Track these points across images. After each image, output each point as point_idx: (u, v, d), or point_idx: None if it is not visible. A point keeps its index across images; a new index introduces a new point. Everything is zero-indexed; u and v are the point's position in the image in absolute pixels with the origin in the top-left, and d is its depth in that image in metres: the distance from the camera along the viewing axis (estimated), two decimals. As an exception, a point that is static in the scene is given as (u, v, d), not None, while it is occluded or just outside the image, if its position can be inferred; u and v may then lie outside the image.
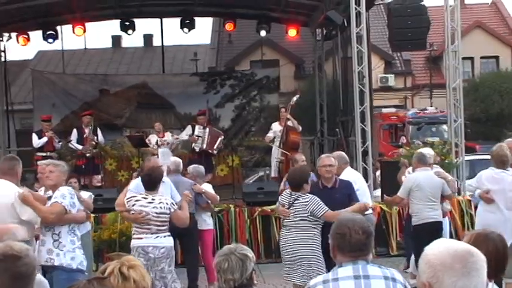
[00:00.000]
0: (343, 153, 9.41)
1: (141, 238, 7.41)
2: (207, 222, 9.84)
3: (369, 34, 14.26)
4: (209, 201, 9.74)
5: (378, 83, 27.33)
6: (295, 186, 7.37)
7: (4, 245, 3.14)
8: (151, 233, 7.38)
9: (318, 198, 7.18)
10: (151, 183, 7.58)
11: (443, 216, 9.15)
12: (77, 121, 16.79)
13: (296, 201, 7.20)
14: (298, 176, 7.53)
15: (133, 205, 7.41)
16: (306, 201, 7.17)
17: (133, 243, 7.49)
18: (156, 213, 7.36)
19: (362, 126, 13.26)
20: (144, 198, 7.44)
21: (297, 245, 7.08)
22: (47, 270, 6.24)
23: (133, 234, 7.54)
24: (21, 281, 3.02)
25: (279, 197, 7.64)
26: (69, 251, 6.40)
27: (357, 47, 13.25)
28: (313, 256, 7.05)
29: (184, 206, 7.73)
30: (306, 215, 7.12)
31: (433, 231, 8.52)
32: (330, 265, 5.75)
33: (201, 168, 10.15)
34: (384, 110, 24.31)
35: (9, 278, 2.99)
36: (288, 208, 7.23)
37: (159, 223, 7.38)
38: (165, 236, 7.43)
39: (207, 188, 9.79)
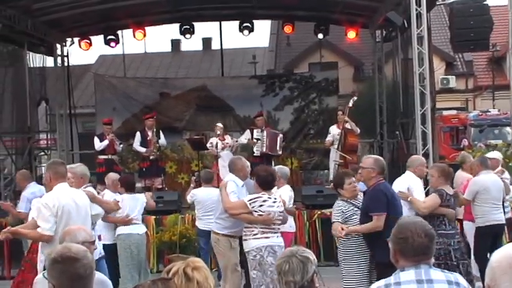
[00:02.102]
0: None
1: (268, 237, 7.48)
2: (289, 224, 9.78)
3: (430, 35, 14.05)
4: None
5: (438, 85, 26.88)
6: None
7: (62, 247, 3.22)
8: (275, 232, 7.51)
9: None
10: (268, 181, 7.64)
11: None
12: (137, 124, 17.05)
13: None
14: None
15: (260, 206, 7.44)
16: None
17: (260, 243, 7.48)
18: (280, 212, 7.53)
19: (423, 129, 13.08)
20: (269, 198, 7.53)
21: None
22: None
23: (256, 234, 7.51)
24: (79, 282, 3.07)
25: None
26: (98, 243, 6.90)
27: (418, 48, 13.07)
28: None
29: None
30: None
31: (496, 233, 8.46)
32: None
33: (285, 169, 10.06)
34: (445, 112, 23.90)
35: (68, 279, 3.05)
36: None
37: (279, 223, 7.59)
38: (280, 235, 7.64)
39: (286, 190, 9.54)
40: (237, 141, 15.04)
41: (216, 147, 14.50)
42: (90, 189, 7.57)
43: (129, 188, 9.48)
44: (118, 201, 8.86)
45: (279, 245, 7.46)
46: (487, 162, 9.03)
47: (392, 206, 6.89)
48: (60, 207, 6.27)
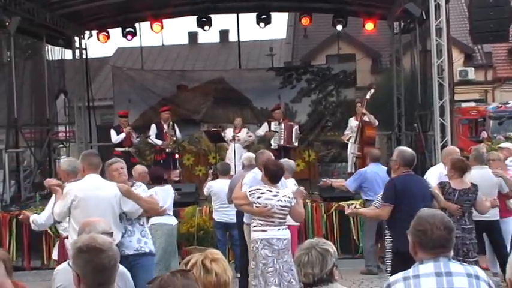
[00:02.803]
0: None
1: (265, 230, 7.50)
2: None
3: (449, 26, 13.95)
4: None
5: (457, 77, 26.68)
6: None
7: (89, 237, 3.25)
8: (274, 225, 7.49)
9: None
10: (278, 176, 7.69)
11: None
12: (155, 116, 17.09)
13: None
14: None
15: (258, 198, 7.48)
16: None
17: (256, 235, 7.55)
18: (281, 206, 7.49)
19: (441, 121, 13.02)
20: (269, 191, 7.53)
21: None
22: (131, 259, 6.65)
23: (255, 226, 7.60)
24: (103, 272, 3.10)
25: None
26: (149, 238, 7.11)
27: (436, 40, 13.00)
28: None
29: (300, 201, 7.77)
30: None
31: (487, 229, 8.42)
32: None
33: (291, 162, 10.10)
34: (464, 104, 23.73)
35: (92, 269, 3.08)
36: None
37: (281, 216, 7.52)
38: (285, 228, 7.59)
39: (291, 183, 9.54)
40: (250, 136, 15.04)
41: (233, 138, 14.54)
42: (143, 186, 7.52)
43: (159, 180, 9.55)
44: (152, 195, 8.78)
45: (278, 238, 7.45)
46: (482, 157, 8.84)
47: (401, 198, 7.01)
48: (76, 198, 6.42)
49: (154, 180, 9.41)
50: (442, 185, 7.60)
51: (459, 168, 7.67)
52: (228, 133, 14.86)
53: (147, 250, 6.94)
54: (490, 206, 7.88)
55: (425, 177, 7.89)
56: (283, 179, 7.98)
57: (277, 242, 7.43)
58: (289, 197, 7.54)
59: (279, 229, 7.52)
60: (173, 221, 9.62)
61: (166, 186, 9.66)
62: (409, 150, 7.67)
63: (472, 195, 7.62)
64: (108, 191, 6.66)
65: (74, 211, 6.45)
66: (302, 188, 8.18)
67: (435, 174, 8.74)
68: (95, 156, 6.91)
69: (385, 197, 7.19)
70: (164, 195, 9.24)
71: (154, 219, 9.18)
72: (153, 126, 14.92)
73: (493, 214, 8.46)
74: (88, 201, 6.48)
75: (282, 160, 10.23)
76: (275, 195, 7.50)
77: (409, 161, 7.29)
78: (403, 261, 7.55)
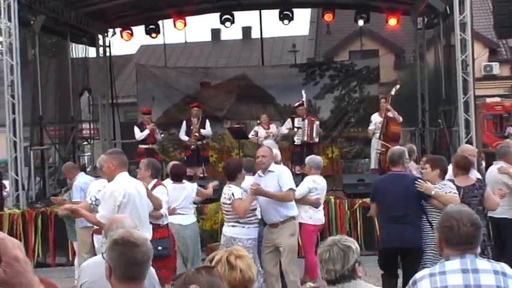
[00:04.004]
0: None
1: (226, 227, 8.10)
2: (309, 216, 9.70)
3: (473, 21, 13.84)
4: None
5: (481, 72, 26.47)
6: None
7: (125, 231, 3.30)
8: (226, 222, 8.14)
9: None
10: (229, 173, 8.14)
11: None
12: (178, 114, 17.17)
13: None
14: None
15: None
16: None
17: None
18: (223, 203, 7.99)
19: (466, 116, 12.92)
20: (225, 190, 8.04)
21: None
22: None
23: None
24: (135, 266, 3.13)
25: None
26: None
27: (460, 35, 12.90)
28: None
29: (249, 197, 7.90)
30: None
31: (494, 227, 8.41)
32: None
33: (317, 158, 10.02)
34: (488, 100, 23.54)
35: (125, 263, 3.11)
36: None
37: (225, 212, 8.08)
38: (231, 226, 7.99)
39: (305, 181, 9.56)
40: (279, 130, 15.03)
41: (257, 135, 14.56)
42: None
43: (175, 177, 9.47)
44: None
45: (223, 234, 8.10)
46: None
47: (379, 197, 7.62)
48: (126, 196, 6.47)
49: (173, 177, 9.42)
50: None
51: (462, 167, 7.68)
52: (260, 132, 14.78)
53: None
54: (498, 202, 7.74)
55: (447, 175, 7.79)
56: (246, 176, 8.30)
57: (222, 237, 8.01)
58: (229, 193, 7.82)
59: (227, 225, 8.03)
60: (185, 220, 9.25)
61: (185, 184, 9.50)
62: (396, 149, 7.95)
63: (478, 191, 7.48)
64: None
65: (123, 209, 6.42)
66: (254, 183, 8.04)
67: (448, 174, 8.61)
68: (122, 154, 6.98)
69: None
70: (177, 194, 9.12)
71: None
72: (183, 123, 15.01)
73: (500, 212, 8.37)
74: (135, 199, 6.59)
75: (310, 156, 10.22)
76: (224, 193, 7.90)
77: (393, 160, 7.63)
78: (384, 257, 7.66)
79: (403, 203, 7.23)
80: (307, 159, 10.03)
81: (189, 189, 9.43)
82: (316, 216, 9.68)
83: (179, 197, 9.18)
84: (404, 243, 7.23)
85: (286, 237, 8.18)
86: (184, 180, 9.53)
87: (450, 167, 8.32)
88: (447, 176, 7.86)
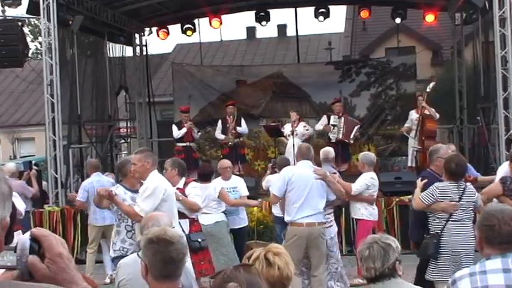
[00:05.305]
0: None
1: None
2: (370, 212, 9.65)
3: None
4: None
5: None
6: (462, 175, 6.96)
7: (160, 229, 3.34)
8: None
9: None
10: (202, 176, 9.36)
11: None
12: (214, 112, 17.23)
13: (465, 192, 6.83)
14: (464, 164, 7.11)
15: None
16: (473, 190, 6.90)
17: None
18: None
19: (505, 114, 12.73)
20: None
21: (471, 238, 6.63)
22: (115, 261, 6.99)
23: None
24: (171, 264, 3.16)
25: (436, 190, 6.88)
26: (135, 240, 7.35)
27: (500, 31, 12.72)
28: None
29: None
30: (473, 205, 6.85)
31: None
32: None
33: (371, 155, 9.89)
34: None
35: (160, 260, 3.14)
36: (459, 201, 6.79)
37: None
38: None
39: (362, 177, 9.51)
40: (308, 129, 14.93)
41: (292, 133, 14.55)
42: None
43: (204, 177, 9.65)
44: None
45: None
46: None
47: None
48: (166, 193, 6.67)
49: (200, 177, 9.61)
50: (503, 180, 7.38)
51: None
52: (287, 128, 14.85)
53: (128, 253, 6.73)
54: None
55: (503, 171, 7.67)
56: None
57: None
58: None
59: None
60: (208, 219, 9.26)
61: (207, 184, 9.50)
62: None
63: None
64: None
65: (163, 205, 6.54)
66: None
67: (503, 170, 8.45)
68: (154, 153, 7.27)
69: None
70: (203, 193, 9.10)
71: (215, 217, 9.34)
72: (219, 122, 15.11)
73: None
74: (172, 195, 6.85)
75: (363, 153, 10.20)
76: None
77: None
78: None
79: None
80: (361, 155, 9.99)
81: (210, 189, 9.48)
82: (374, 213, 9.71)
83: (202, 197, 9.26)
84: None
85: None
86: (212, 180, 9.79)
87: (504, 164, 8.20)
88: (502, 173, 7.76)
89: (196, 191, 8.23)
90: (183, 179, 8.28)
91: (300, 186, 8.03)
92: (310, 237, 8.03)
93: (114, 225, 7.37)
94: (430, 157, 7.65)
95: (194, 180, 9.05)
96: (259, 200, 11.71)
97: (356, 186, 9.15)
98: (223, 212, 9.70)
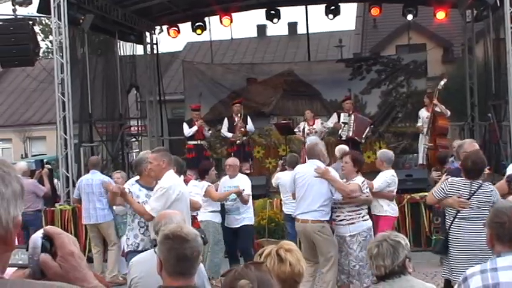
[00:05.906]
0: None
1: None
2: (384, 208, 9.65)
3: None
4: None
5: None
6: (478, 173, 6.74)
7: (176, 226, 3.37)
8: None
9: None
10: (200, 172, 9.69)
11: None
12: (225, 110, 17.24)
13: (479, 191, 6.63)
14: (481, 162, 6.86)
15: None
16: (491, 190, 6.64)
17: None
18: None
19: (517, 110, 12.69)
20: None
21: (482, 237, 6.21)
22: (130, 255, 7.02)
23: None
24: (184, 262, 3.17)
25: (448, 186, 6.77)
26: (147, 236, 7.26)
27: (511, 27, 12.65)
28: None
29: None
30: (490, 205, 6.50)
31: None
32: None
33: (389, 153, 9.79)
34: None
35: (174, 257, 3.16)
36: (469, 199, 6.62)
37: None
38: None
39: (381, 175, 9.46)
40: (325, 126, 14.96)
41: (304, 131, 14.56)
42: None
43: (199, 174, 9.86)
44: None
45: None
46: None
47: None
48: (180, 193, 6.69)
49: (199, 173, 9.78)
50: (509, 179, 7.21)
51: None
52: (301, 127, 14.83)
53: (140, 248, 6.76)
54: None
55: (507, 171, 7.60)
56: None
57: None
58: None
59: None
60: (203, 217, 9.37)
61: (200, 183, 9.58)
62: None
63: None
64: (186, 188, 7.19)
65: (176, 205, 6.54)
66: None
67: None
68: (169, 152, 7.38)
69: None
70: (198, 191, 9.16)
71: (201, 216, 9.32)
72: (225, 120, 15.12)
73: None
74: (186, 196, 6.89)
75: (381, 150, 10.15)
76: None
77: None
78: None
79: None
80: (379, 153, 9.93)
81: (199, 187, 9.47)
82: (396, 209, 9.69)
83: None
84: None
85: None
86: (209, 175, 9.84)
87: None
88: (510, 171, 7.68)
89: (197, 190, 8.41)
90: (181, 178, 8.31)
91: (300, 184, 8.47)
92: (305, 233, 8.42)
93: (127, 222, 7.38)
94: (456, 154, 7.64)
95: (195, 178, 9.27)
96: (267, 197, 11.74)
97: (378, 184, 9.15)
98: (218, 211, 9.76)
